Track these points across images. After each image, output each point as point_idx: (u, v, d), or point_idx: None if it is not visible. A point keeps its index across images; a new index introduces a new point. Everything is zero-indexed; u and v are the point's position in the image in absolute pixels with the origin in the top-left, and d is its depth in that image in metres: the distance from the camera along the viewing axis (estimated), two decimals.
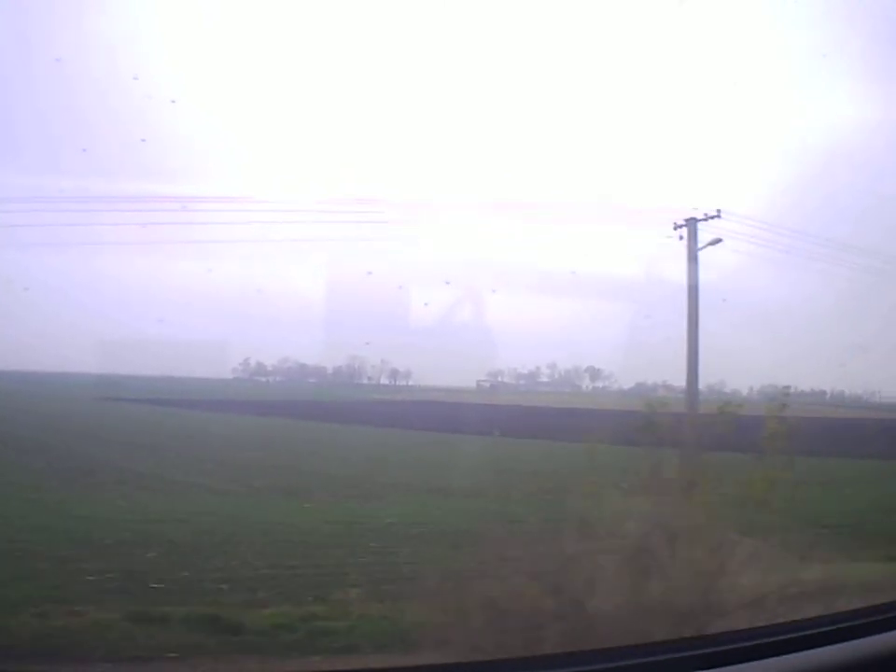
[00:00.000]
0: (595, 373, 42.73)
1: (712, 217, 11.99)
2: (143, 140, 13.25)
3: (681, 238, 12.05)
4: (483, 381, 38.35)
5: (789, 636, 3.39)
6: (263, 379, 44.30)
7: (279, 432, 24.61)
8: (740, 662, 3.19)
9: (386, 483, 15.45)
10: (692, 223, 11.59)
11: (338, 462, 18.80)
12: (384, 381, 45.15)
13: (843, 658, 3.17)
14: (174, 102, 18.32)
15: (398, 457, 20.16)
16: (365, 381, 45.52)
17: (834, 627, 3.37)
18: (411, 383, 43.77)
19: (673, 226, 11.67)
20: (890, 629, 3.28)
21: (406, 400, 38.31)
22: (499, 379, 38.99)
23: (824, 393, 40.54)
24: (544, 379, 40.93)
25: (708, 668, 3.18)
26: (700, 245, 12.01)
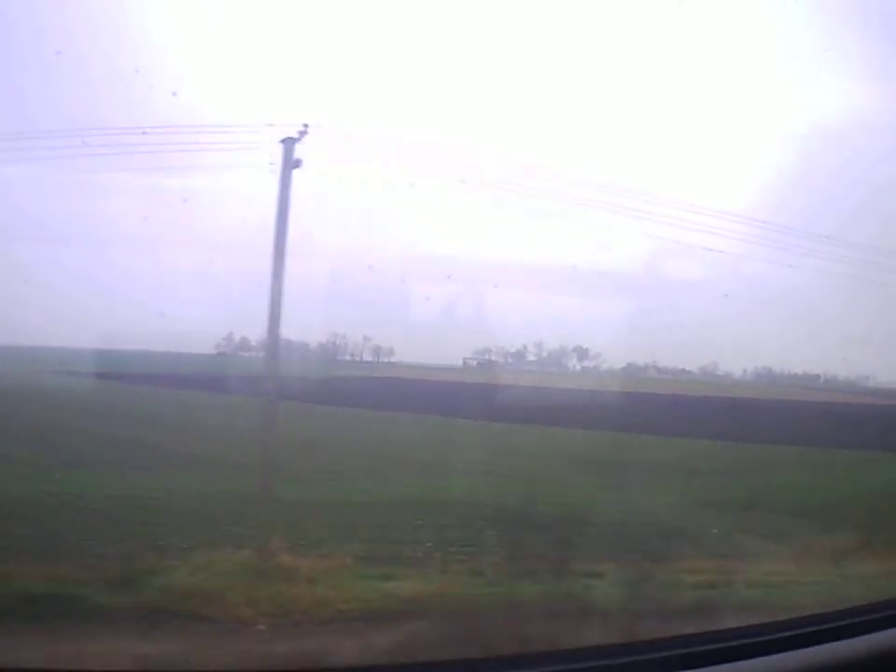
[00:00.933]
0: (582, 353, 42.96)
1: (302, 135, 11.14)
2: (144, 133, 13.45)
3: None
4: (470, 359, 38.47)
5: (787, 633, 3.48)
6: (246, 354, 44.27)
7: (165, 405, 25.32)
8: (739, 658, 3.27)
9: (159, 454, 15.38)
10: (288, 143, 10.79)
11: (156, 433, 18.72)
12: (367, 358, 45.13)
13: (841, 656, 3.27)
14: (175, 94, 18.31)
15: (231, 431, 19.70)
16: (347, 357, 45.54)
17: (833, 625, 3.47)
18: (393, 360, 43.84)
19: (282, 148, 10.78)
20: (888, 627, 3.37)
21: (367, 377, 38.81)
22: (487, 357, 39.09)
23: (818, 377, 41.29)
24: (531, 358, 41.09)
25: (707, 665, 3.26)
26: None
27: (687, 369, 44.81)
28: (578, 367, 44.39)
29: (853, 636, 3.34)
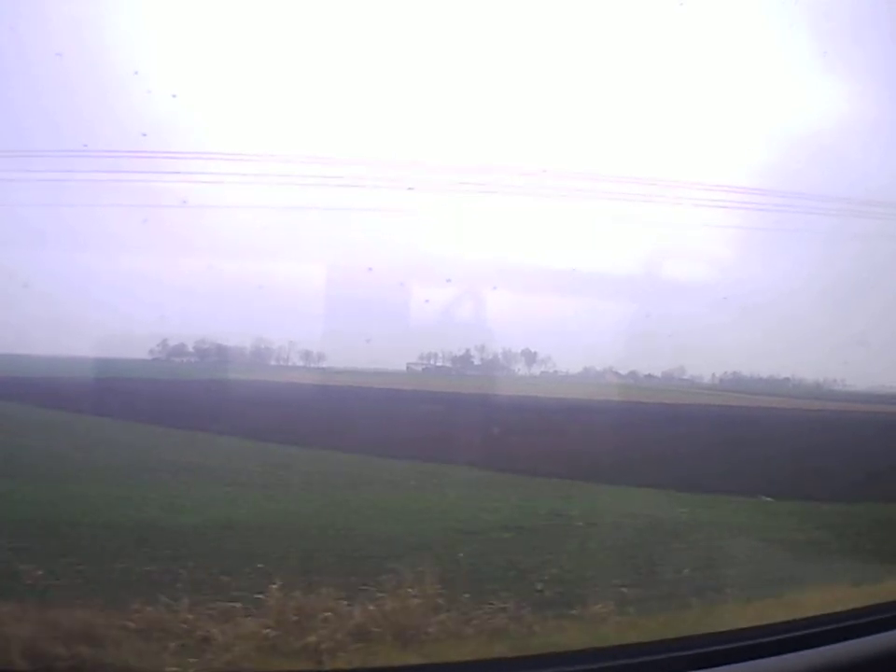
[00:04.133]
0: (531, 357, 43.69)
1: None
2: (144, 135, 13.84)
3: None
4: (414, 364, 38.65)
5: (788, 635, 3.74)
6: (178, 360, 44.00)
7: None
8: (740, 661, 3.52)
9: None
10: None
11: None
12: (299, 363, 44.73)
13: (842, 657, 3.51)
14: (174, 97, 18.48)
15: None
16: (273, 362, 45.12)
17: (834, 627, 3.72)
18: (324, 365, 43.69)
19: None
20: (890, 629, 3.69)
21: (265, 381, 38.50)
22: (432, 362, 39.33)
23: (787, 380, 43.22)
24: (477, 362, 41.58)
25: (709, 667, 3.50)
26: None
27: (652, 374, 46.11)
28: (526, 371, 45.14)
29: (859, 636, 3.61)
